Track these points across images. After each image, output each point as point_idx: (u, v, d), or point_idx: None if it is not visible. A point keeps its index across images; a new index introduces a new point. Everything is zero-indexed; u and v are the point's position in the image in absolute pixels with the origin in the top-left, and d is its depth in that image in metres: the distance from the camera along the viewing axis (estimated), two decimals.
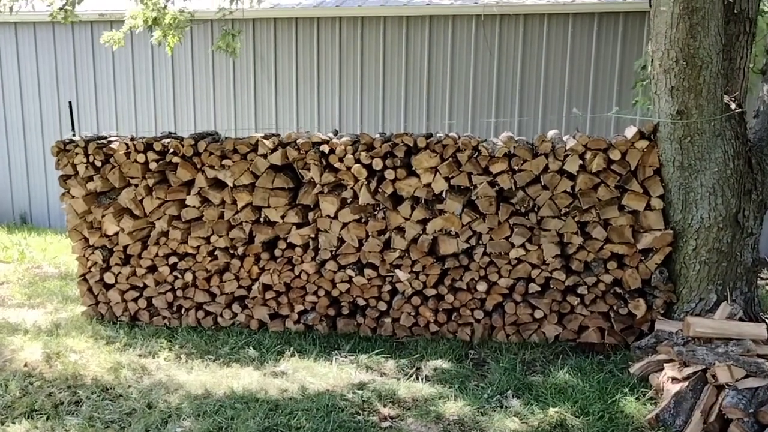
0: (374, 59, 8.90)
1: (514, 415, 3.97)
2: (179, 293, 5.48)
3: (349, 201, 5.11)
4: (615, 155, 4.74)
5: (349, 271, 5.18)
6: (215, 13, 7.88)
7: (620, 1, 8.29)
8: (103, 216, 5.42)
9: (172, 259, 5.44)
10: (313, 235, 5.22)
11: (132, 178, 5.37)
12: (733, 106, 4.62)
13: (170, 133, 5.70)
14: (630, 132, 4.82)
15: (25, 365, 4.61)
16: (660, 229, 4.79)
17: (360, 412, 4.01)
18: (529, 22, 8.52)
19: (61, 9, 7.25)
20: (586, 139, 4.77)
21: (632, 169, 4.77)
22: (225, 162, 5.21)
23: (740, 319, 4.50)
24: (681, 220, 4.76)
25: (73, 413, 3.97)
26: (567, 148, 4.80)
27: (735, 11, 4.64)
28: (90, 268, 5.57)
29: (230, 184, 5.23)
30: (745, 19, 4.68)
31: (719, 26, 4.36)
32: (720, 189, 4.65)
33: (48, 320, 5.57)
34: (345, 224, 5.13)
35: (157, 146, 5.30)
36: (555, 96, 8.58)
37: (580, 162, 4.79)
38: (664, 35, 4.39)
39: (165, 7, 7.71)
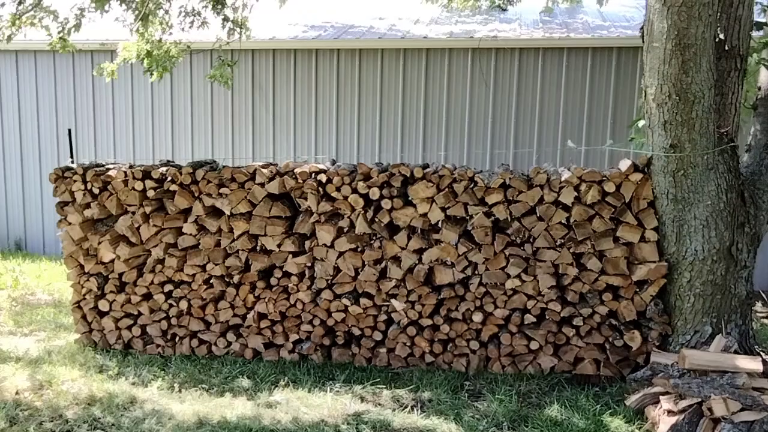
0: (371, 90, 9.00)
1: None
2: (174, 321, 5.45)
3: (345, 230, 5.13)
4: (609, 187, 4.79)
5: (345, 301, 5.18)
6: (212, 44, 7.98)
7: (613, 37, 8.45)
8: (99, 243, 5.42)
9: (168, 287, 5.42)
10: (309, 264, 5.23)
11: (129, 205, 5.39)
12: (725, 140, 4.69)
13: (168, 161, 5.73)
14: (624, 165, 4.87)
15: (16, 393, 4.56)
16: (654, 261, 4.81)
17: None
18: (524, 55, 8.65)
19: (59, 38, 7.32)
20: (581, 171, 4.83)
21: (627, 201, 4.82)
22: (223, 190, 5.23)
23: (735, 352, 4.51)
24: (675, 252, 4.79)
25: None
26: (562, 179, 4.85)
27: (726, 48, 4.74)
28: (85, 295, 5.55)
29: (227, 213, 5.25)
30: (736, 55, 4.78)
31: (711, 62, 4.45)
32: (713, 222, 4.69)
33: (40, 348, 5.52)
34: (341, 253, 5.14)
35: (155, 174, 5.33)
36: (550, 128, 8.68)
37: (575, 194, 4.83)
38: (657, 70, 4.47)
39: (160, 40, 7.80)
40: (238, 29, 7.78)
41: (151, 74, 7.97)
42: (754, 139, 5.21)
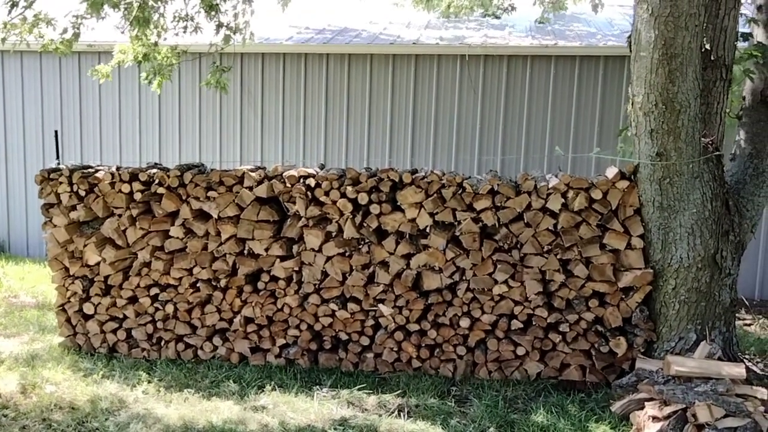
0: (360, 95, 9.01)
1: None
2: (159, 325, 5.42)
3: (333, 234, 5.13)
4: (596, 194, 4.83)
5: (333, 305, 5.17)
6: (208, 47, 7.95)
7: (601, 46, 8.52)
8: (84, 246, 5.38)
9: (154, 291, 5.39)
10: (296, 268, 5.21)
11: (116, 208, 5.35)
12: (710, 149, 4.74)
13: (156, 164, 5.70)
14: (611, 172, 4.92)
15: (0, 396, 4.51)
16: (640, 268, 4.85)
17: None
18: (512, 63, 8.70)
19: (60, 42, 7.25)
20: (569, 178, 4.86)
21: (613, 208, 4.86)
22: (210, 194, 5.21)
23: (719, 359, 4.55)
24: (661, 259, 4.84)
25: None
26: (549, 186, 4.88)
27: (712, 58, 4.80)
28: (69, 298, 5.49)
29: (215, 216, 5.23)
30: (722, 66, 4.84)
31: (697, 72, 4.50)
32: (698, 230, 4.74)
33: (24, 351, 5.46)
34: (329, 258, 5.14)
35: (143, 177, 5.30)
36: (537, 135, 8.72)
37: (563, 200, 4.87)
38: (644, 79, 4.52)
39: (156, 43, 7.77)
40: (233, 34, 7.75)
41: (150, 83, 7.95)
42: (739, 149, 5.28)
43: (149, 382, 4.91)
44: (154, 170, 5.35)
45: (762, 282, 8.27)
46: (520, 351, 5.05)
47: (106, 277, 5.43)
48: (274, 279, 5.26)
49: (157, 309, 5.41)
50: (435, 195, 4.98)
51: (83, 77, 9.41)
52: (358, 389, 4.85)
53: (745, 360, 5.12)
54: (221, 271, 5.28)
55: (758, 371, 5.10)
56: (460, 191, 4.98)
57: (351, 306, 5.16)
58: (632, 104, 4.73)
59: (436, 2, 11.19)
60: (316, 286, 5.20)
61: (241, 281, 5.27)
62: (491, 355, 5.08)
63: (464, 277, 5.03)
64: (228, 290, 5.30)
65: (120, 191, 5.30)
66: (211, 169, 5.39)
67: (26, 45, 7.39)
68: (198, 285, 5.34)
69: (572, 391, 4.90)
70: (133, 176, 5.32)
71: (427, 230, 5.05)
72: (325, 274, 5.18)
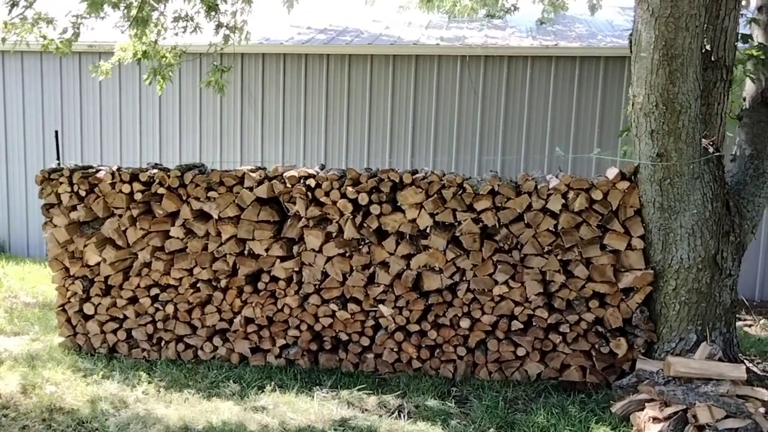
0: (361, 96, 9.01)
1: None
2: (160, 325, 5.41)
3: (334, 235, 5.13)
4: (597, 195, 4.83)
5: (333, 306, 5.17)
6: (207, 47, 7.95)
7: (601, 46, 8.53)
8: (85, 246, 5.38)
9: (154, 291, 5.39)
10: (297, 269, 5.21)
11: (116, 208, 5.35)
12: (711, 149, 4.74)
13: (156, 164, 5.70)
14: (611, 173, 4.91)
15: (0, 397, 4.51)
16: (641, 269, 4.85)
17: None
18: (513, 63, 8.70)
19: (61, 42, 7.26)
20: (569, 179, 4.86)
21: (614, 209, 4.85)
22: (211, 194, 5.21)
23: (720, 360, 4.55)
24: (661, 260, 4.83)
25: None
26: (550, 187, 4.88)
27: (712, 59, 4.80)
28: (69, 298, 5.49)
29: (215, 216, 5.23)
30: (722, 66, 4.83)
31: (697, 73, 4.50)
32: (699, 230, 4.73)
33: (24, 351, 5.46)
34: (329, 258, 5.14)
35: (143, 177, 5.30)
36: (537, 136, 8.73)
37: (563, 201, 4.87)
38: (644, 80, 4.52)
39: (155, 42, 7.79)
40: (233, 34, 7.76)
41: (151, 84, 7.98)
42: (739, 149, 5.27)
43: (149, 382, 4.91)
44: (155, 170, 5.35)
45: (762, 283, 8.27)
46: (521, 352, 5.04)
47: (107, 278, 5.43)
48: (275, 279, 5.25)
49: (157, 309, 5.41)
50: (435, 195, 4.98)
51: (84, 77, 9.42)
52: (358, 390, 4.85)
53: (745, 361, 5.12)
54: (221, 272, 5.28)
55: (759, 372, 5.10)
56: (460, 192, 4.98)
57: (351, 306, 5.16)
58: (633, 105, 4.72)
59: (438, 3, 11.20)
60: (317, 286, 5.20)
61: (241, 281, 5.27)
62: (491, 356, 5.08)
63: (464, 278, 5.03)
64: (228, 290, 5.30)
65: (120, 191, 5.30)
66: (212, 170, 5.39)
67: (26, 45, 7.39)
68: (198, 285, 5.33)
69: (572, 391, 4.90)
70: (134, 176, 5.32)
71: (428, 231, 5.05)
72: (325, 275, 5.18)
